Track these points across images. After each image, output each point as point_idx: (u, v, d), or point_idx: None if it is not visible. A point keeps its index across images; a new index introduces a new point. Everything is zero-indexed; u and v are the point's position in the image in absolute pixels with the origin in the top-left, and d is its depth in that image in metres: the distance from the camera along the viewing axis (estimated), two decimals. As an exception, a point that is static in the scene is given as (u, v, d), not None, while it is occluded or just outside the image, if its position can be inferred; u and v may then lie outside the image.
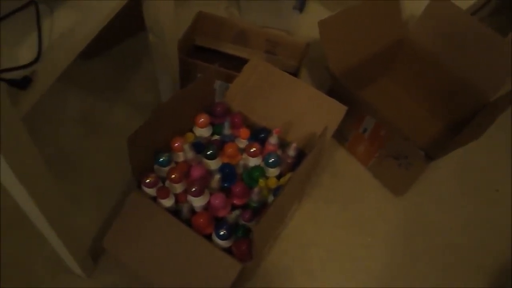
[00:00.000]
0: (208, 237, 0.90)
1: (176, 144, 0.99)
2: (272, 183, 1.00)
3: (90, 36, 0.74)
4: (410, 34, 1.41)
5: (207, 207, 0.95)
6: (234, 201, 0.96)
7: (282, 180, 1.01)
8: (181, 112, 1.02)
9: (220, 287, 0.86)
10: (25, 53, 0.66)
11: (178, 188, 0.94)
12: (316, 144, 0.95)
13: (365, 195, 1.29)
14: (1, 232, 1.10)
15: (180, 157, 1.00)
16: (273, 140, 1.02)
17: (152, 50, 1.14)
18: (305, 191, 1.23)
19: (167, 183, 0.95)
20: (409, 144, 1.15)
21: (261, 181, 0.99)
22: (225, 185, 0.98)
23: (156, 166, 0.98)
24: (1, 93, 0.54)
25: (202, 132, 1.05)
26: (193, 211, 0.94)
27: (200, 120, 1.04)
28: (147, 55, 1.46)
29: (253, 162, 1.01)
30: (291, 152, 1.01)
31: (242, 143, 1.04)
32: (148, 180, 0.92)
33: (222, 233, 0.88)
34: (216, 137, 1.07)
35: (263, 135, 1.05)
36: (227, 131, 1.04)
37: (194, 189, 0.91)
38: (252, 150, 1.00)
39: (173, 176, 0.93)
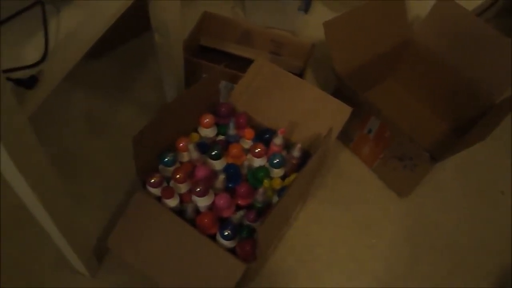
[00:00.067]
0: (213, 237, 0.90)
1: (181, 144, 0.99)
2: (277, 183, 1.00)
3: (96, 36, 0.74)
4: (415, 35, 1.40)
5: (211, 207, 0.95)
6: (239, 202, 0.96)
7: (287, 180, 1.01)
8: (186, 112, 1.02)
9: (224, 287, 0.86)
10: (32, 53, 0.66)
11: (183, 188, 0.95)
12: (321, 144, 0.95)
13: (370, 196, 1.29)
14: (5, 232, 1.11)
15: (185, 157, 1.00)
16: (278, 140, 1.02)
17: (158, 50, 1.14)
18: (309, 192, 1.23)
19: (171, 183, 0.96)
20: (414, 145, 1.15)
21: (266, 182, 0.99)
22: (230, 185, 0.98)
23: (161, 166, 0.98)
24: (8, 92, 0.54)
25: (207, 132, 1.05)
26: (197, 211, 0.94)
27: (205, 120, 1.04)
28: (152, 55, 1.46)
29: (258, 162, 1.01)
30: (296, 152, 1.01)
31: (247, 143, 1.04)
32: (152, 180, 0.92)
33: (226, 233, 0.88)
34: (221, 137, 1.07)
35: (267, 135, 1.05)
36: (232, 131, 1.04)
37: (198, 189, 0.91)
38: (256, 150, 1.00)
39: (178, 176, 0.93)
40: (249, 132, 1.04)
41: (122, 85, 1.43)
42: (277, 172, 1.01)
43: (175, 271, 0.90)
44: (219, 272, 0.87)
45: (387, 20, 1.35)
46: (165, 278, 0.89)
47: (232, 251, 0.89)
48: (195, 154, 0.98)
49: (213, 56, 1.43)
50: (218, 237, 0.90)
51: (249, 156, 1.02)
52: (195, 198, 0.93)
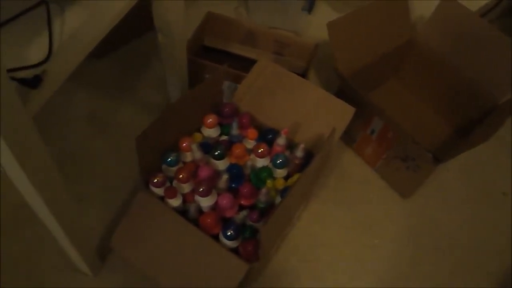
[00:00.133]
0: (215, 237, 0.90)
1: (184, 144, 0.99)
2: (280, 184, 1.00)
3: (100, 36, 0.75)
4: (419, 36, 1.40)
5: (214, 207, 0.95)
6: (242, 202, 0.96)
7: (290, 181, 1.01)
8: (189, 112, 1.02)
9: (227, 287, 0.86)
10: (36, 53, 0.67)
11: (186, 188, 0.95)
12: (324, 145, 0.95)
13: (372, 197, 1.29)
14: (5, 231, 1.11)
15: (188, 157, 1.00)
16: (281, 141, 1.02)
17: (161, 50, 1.15)
18: (312, 192, 1.23)
19: (174, 183, 0.96)
20: (417, 146, 1.15)
21: (269, 182, 0.99)
22: (233, 185, 0.98)
23: (164, 166, 0.98)
24: (13, 92, 0.55)
25: (210, 132, 1.05)
26: (200, 211, 0.94)
27: (208, 121, 1.04)
28: (156, 55, 1.46)
29: (261, 162, 1.01)
30: (299, 153, 1.01)
31: (250, 143, 1.04)
32: (156, 180, 0.92)
33: (229, 233, 0.88)
34: (224, 137, 1.07)
35: (271, 135, 1.05)
36: (235, 131, 1.04)
37: (201, 189, 0.91)
38: (260, 150, 1.00)
39: (181, 176, 0.93)
40: (252, 132, 1.04)
41: (125, 85, 1.44)
42: (280, 172, 1.01)
43: (177, 270, 0.90)
44: (221, 272, 0.87)
45: (391, 21, 1.35)
46: (168, 278, 0.89)
47: (235, 251, 0.89)
48: (198, 154, 0.98)
49: (216, 57, 1.43)
50: (221, 237, 0.90)
51: (252, 156, 1.02)
52: (198, 198, 0.93)
